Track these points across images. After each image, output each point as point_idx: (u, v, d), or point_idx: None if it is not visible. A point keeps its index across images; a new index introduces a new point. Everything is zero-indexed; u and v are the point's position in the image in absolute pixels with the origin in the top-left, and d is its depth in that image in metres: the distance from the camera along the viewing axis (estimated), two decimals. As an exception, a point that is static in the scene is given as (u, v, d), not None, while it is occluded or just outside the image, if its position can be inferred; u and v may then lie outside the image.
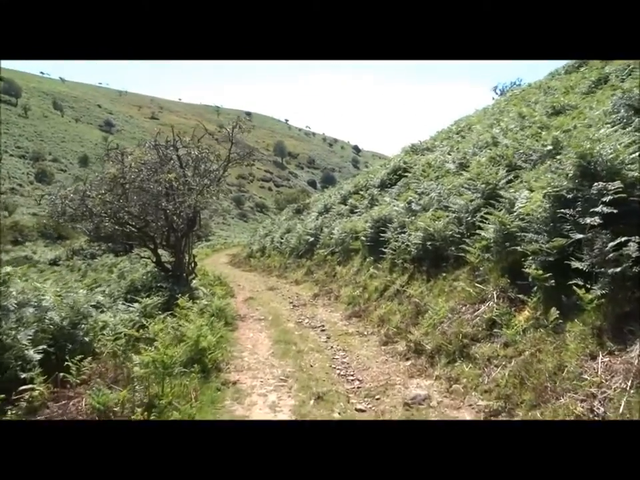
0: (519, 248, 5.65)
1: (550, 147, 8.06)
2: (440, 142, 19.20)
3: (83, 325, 5.09)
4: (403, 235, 9.76)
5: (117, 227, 9.11)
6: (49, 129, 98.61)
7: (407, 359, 5.99)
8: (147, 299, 6.72)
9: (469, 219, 7.96)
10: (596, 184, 4.54)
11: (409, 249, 9.15)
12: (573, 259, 4.55)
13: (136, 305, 6.64)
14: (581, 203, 4.67)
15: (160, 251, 10.35)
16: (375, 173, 19.71)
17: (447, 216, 8.41)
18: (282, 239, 21.15)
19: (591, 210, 4.46)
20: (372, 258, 11.35)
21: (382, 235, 10.92)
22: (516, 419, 3.95)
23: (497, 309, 5.44)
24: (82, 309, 5.14)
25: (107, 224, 8.46)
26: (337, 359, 6.37)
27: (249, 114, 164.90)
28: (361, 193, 17.80)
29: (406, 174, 15.06)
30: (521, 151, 9.24)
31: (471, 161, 11.24)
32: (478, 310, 5.84)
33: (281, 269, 17.89)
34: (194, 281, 10.80)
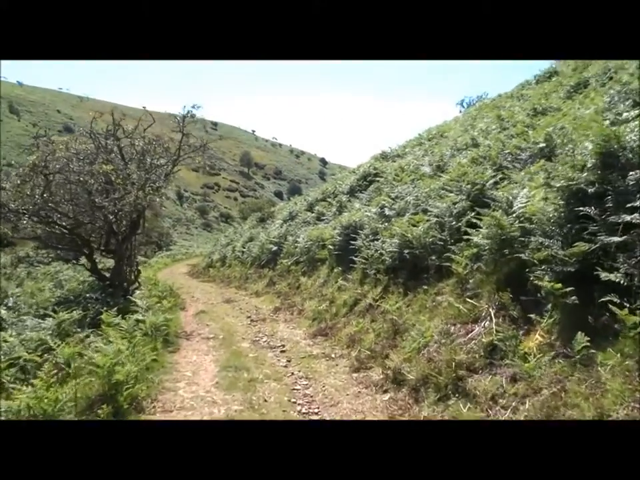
0: (523, 255, 4.64)
1: (543, 145, 7.21)
2: (411, 148, 18.50)
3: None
4: (375, 242, 8.71)
5: (40, 227, 7.70)
6: (4, 133, 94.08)
7: (385, 391, 4.85)
8: (64, 313, 5.38)
9: (453, 223, 6.96)
10: (632, 173, 3.55)
11: (382, 257, 8.08)
12: (599, 268, 3.55)
13: (49, 320, 5.29)
14: (612, 197, 3.67)
15: (104, 258, 8.93)
16: (343, 180, 18.76)
17: (428, 220, 7.39)
18: (244, 248, 19.84)
19: (628, 205, 3.47)
20: (340, 268, 10.26)
21: (352, 242, 9.84)
22: None
23: (497, 331, 4.38)
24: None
25: (25, 222, 7.05)
26: (298, 389, 5.16)
27: (215, 124, 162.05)
28: (329, 200, 16.80)
29: (377, 179, 14.27)
30: (507, 151, 8.40)
31: (449, 164, 10.39)
32: (472, 331, 4.77)
33: (241, 279, 16.56)
34: (137, 292, 9.40)
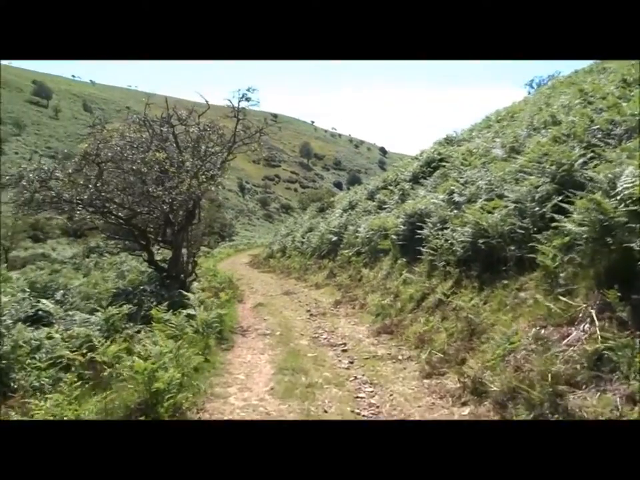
0: (634, 245, 3.82)
1: (643, 116, 6.19)
2: (478, 132, 17.33)
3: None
4: (444, 231, 7.96)
5: (96, 218, 7.58)
6: (79, 130, 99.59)
7: (463, 404, 4.19)
8: (113, 308, 5.11)
9: (536, 209, 6.11)
10: None
11: (453, 248, 7.34)
12: None
13: (98, 315, 5.04)
14: None
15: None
16: (405, 167, 17.90)
17: (505, 206, 6.57)
18: (303, 238, 19.52)
19: None
20: (405, 259, 9.58)
21: (418, 232, 9.13)
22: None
23: (603, 337, 3.61)
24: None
25: (80, 212, 6.92)
26: (362, 397, 4.60)
27: (275, 115, 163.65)
28: (390, 188, 16.02)
29: (442, 165, 13.41)
30: (596, 127, 7.37)
31: (525, 145, 9.39)
32: (568, 336, 4.00)
33: (301, 270, 16.21)
34: (194, 284, 9.19)
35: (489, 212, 6.75)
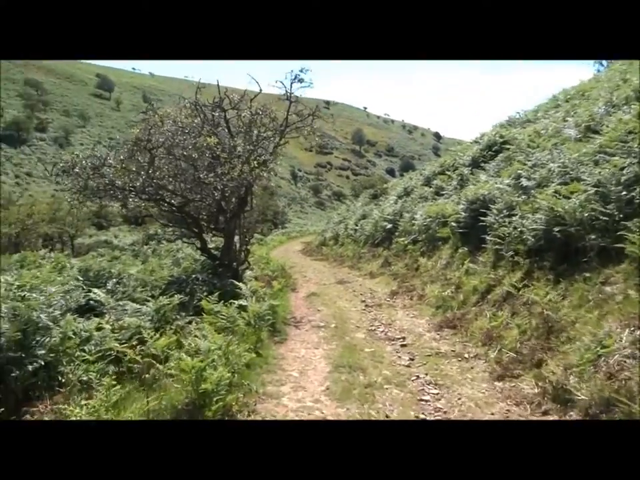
0: None
1: None
2: (544, 112, 16.20)
3: (39, 339, 3.35)
4: (512, 218, 7.35)
5: (150, 205, 7.51)
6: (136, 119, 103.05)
7: (544, 413, 3.70)
8: (164, 297, 4.95)
9: (623, 193, 5.45)
10: None
11: (523, 236, 6.73)
12: None
13: (150, 305, 4.89)
14: None
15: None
16: (463, 151, 17.06)
17: (585, 191, 5.92)
18: (356, 225, 19.12)
19: None
20: (466, 248, 9.00)
21: (481, 219, 8.53)
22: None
23: None
24: (36, 316, 3.39)
25: (133, 200, 6.84)
26: (426, 401, 4.18)
27: (327, 102, 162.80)
28: (448, 173, 15.30)
29: (506, 147, 12.63)
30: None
31: (603, 123, 8.54)
32: (674, 340, 3.43)
33: (355, 258, 15.84)
34: (247, 272, 9.02)
35: (566, 197, 6.11)
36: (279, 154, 8.21)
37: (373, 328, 6.82)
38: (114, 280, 6.03)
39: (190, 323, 4.82)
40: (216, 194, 7.29)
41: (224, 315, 4.88)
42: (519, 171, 8.43)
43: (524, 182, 8.09)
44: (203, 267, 8.65)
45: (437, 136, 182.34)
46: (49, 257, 9.92)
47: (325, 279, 12.47)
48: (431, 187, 15.18)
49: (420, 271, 10.28)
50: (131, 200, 6.76)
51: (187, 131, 6.84)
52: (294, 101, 7.56)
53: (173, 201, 7.33)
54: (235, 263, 8.27)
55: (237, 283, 8.45)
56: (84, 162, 6.13)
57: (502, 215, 7.82)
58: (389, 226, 15.08)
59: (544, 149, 9.42)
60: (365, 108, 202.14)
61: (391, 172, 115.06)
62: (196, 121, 7.26)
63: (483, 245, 8.44)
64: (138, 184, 6.46)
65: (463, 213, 9.54)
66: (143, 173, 6.35)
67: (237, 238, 8.54)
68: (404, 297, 8.94)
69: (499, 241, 7.44)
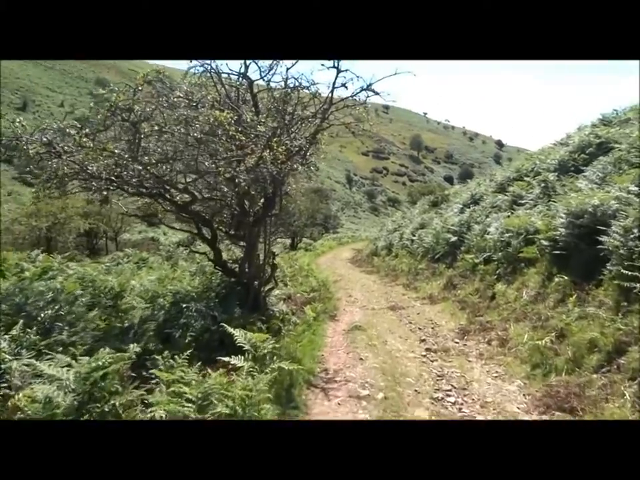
0: None
1: None
2: (648, 110, 13.42)
3: None
4: (651, 241, 5.03)
5: (145, 202, 5.71)
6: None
7: None
8: (103, 353, 2.99)
9: None
10: None
11: (678, 272, 4.40)
12: None
13: (73, 367, 2.96)
14: None
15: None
16: (546, 155, 14.47)
17: None
18: (413, 235, 16.84)
19: None
20: (566, 277, 6.68)
21: (594, 238, 6.22)
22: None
23: None
24: None
25: (113, 191, 5.00)
26: None
27: (386, 107, 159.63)
28: (527, 179, 12.81)
29: (609, 148, 10.25)
30: None
31: None
32: None
33: (410, 275, 13.58)
34: (274, 292, 7.06)
35: None
36: (322, 142, 6.17)
37: (440, 396, 4.61)
38: (47, 312, 4.14)
39: (133, 403, 2.89)
40: (227, 190, 5.41)
41: (191, 396, 2.91)
42: (656, 175, 6.03)
43: (665, 190, 5.71)
44: (219, 284, 6.76)
45: (499, 144, 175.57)
46: (38, 259, 8.39)
47: (374, 300, 10.28)
48: (506, 195, 12.76)
49: (497, 301, 7.97)
50: (112, 191, 4.93)
51: (194, 104, 4.95)
52: (343, 70, 5.52)
53: (176, 197, 5.46)
54: (256, 282, 6.31)
55: (272, 307, 6.55)
56: (29, 137, 4.29)
57: (633, 236, 5.47)
58: (454, 239, 12.79)
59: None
60: (425, 113, 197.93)
61: (449, 179, 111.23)
62: (211, 94, 5.37)
63: (594, 276, 6.12)
64: (122, 171, 4.64)
65: (561, 230, 7.19)
66: (126, 155, 4.53)
67: (261, 249, 6.60)
68: (478, 339, 6.67)
69: (628, 273, 5.10)
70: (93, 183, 4.62)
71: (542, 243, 7.89)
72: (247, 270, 6.28)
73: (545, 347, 5.44)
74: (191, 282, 7.83)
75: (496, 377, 5.22)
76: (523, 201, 11.31)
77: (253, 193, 6.16)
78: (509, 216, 10.62)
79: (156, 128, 4.62)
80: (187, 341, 4.55)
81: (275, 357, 3.71)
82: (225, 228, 6.82)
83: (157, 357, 3.61)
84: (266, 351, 3.62)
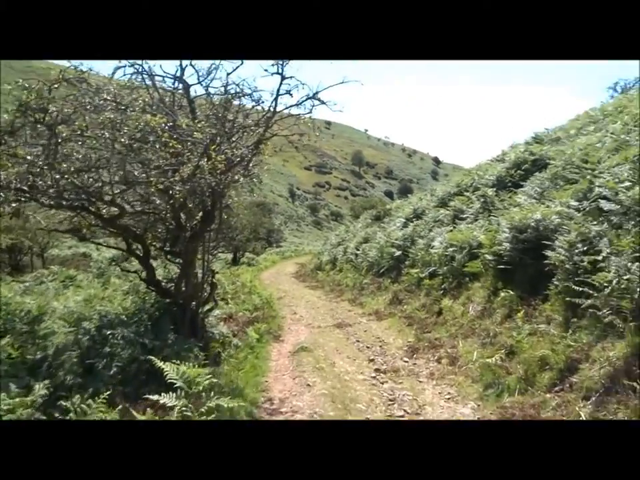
0: None
1: None
2: (577, 130, 14.07)
3: None
4: (597, 257, 5.05)
5: (63, 213, 5.10)
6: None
7: None
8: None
9: None
10: None
11: (624, 287, 4.38)
12: None
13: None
14: None
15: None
16: (484, 170, 14.85)
17: None
18: (358, 249, 16.76)
19: None
20: (512, 292, 6.65)
21: (538, 253, 6.24)
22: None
23: None
24: None
25: (23, 201, 4.36)
26: None
27: (328, 123, 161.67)
28: (467, 194, 13.06)
29: (542, 165, 10.79)
30: None
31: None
32: None
33: (355, 289, 13.40)
34: (214, 312, 6.58)
35: None
36: (265, 152, 5.81)
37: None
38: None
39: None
40: (159, 203, 4.93)
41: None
42: (599, 190, 6.12)
43: (605, 204, 5.78)
44: (153, 304, 6.19)
45: (436, 160, 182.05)
46: None
47: (319, 317, 9.95)
48: (448, 210, 12.91)
49: (444, 317, 7.87)
50: (17, 201, 4.25)
51: (122, 107, 4.46)
52: (287, 77, 5.21)
53: (98, 209, 4.88)
54: (194, 302, 5.82)
55: (212, 330, 6.06)
56: None
57: (577, 251, 5.47)
58: (398, 253, 12.77)
59: (616, 163, 7.13)
60: (366, 130, 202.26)
61: (389, 194, 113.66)
62: (142, 97, 4.89)
63: (540, 290, 6.12)
64: (37, 180, 4.04)
65: (506, 244, 7.18)
66: (40, 162, 3.96)
67: (199, 267, 6.11)
68: (428, 357, 6.47)
69: (576, 288, 5.07)
70: (0, 194, 4.01)
71: (486, 258, 7.89)
72: (183, 289, 5.77)
73: (495, 364, 5.31)
74: (122, 302, 7.16)
75: (449, 398, 5.00)
76: (464, 215, 11.45)
77: (190, 205, 5.70)
78: (451, 230, 10.69)
79: (78, 132, 4.09)
80: (111, 372, 4.01)
81: (212, 393, 3.28)
82: (160, 244, 6.29)
83: (66, 400, 3.08)
84: (201, 387, 3.19)
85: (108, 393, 3.14)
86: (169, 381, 3.15)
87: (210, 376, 3.18)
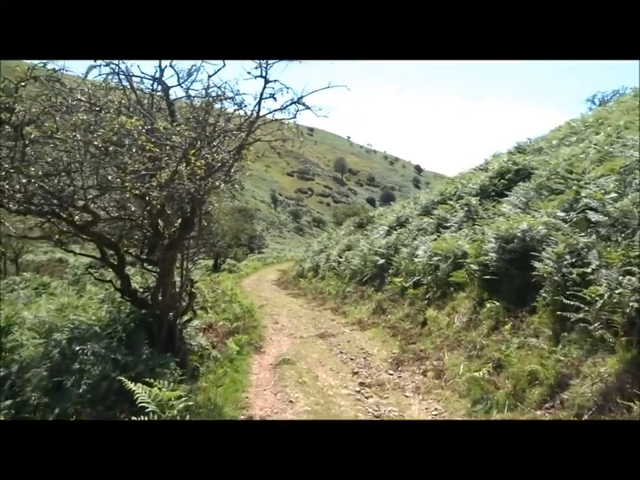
0: None
1: None
2: (559, 140, 14.18)
3: None
4: (585, 269, 4.96)
5: (33, 219, 4.82)
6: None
7: None
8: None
9: None
10: None
11: (617, 299, 4.28)
12: None
13: None
14: None
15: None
16: (468, 179, 14.86)
17: None
18: (340, 257, 16.61)
19: None
20: (498, 303, 6.55)
21: (525, 264, 6.16)
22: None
23: None
24: None
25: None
26: None
27: (311, 129, 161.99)
28: (451, 202, 13.03)
29: (524, 174, 10.97)
30: None
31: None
32: None
33: (338, 298, 13.23)
34: (192, 322, 6.33)
35: None
36: (247, 158, 5.61)
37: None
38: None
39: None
40: (134, 209, 4.69)
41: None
42: (585, 200, 6.07)
43: (593, 216, 5.71)
44: (128, 314, 5.92)
45: (418, 168, 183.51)
46: None
47: (302, 327, 9.73)
48: (432, 218, 12.84)
49: (429, 327, 7.72)
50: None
51: (97, 108, 4.22)
52: (271, 80, 5.03)
53: (70, 215, 4.61)
54: (171, 313, 5.56)
55: (191, 342, 5.81)
56: None
57: (566, 262, 5.38)
58: (381, 261, 12.64)
59: (601, 175, 7.10)
60: (349, 137, 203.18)
61: (371, 201, 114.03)
62: (118, 98, 4.65)
63: (527, 302, 6.02)
64: (1, 183, 3.78)
65: (492, 254, 7.09)
66: (6, 165, 3.69)
67: (177, 276, 5.86)
68: (413, 370, 6.31)
69: (565, 301, 4.97)
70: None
71: (471, 267, 7.80)
72: (160, 299, 5.51)
73: (483, 379, 5.17)
74: (97, 312, 6.86)
75: (436, 414, 4.84)
76: (448, 224, 11.39)
77: (168, 212, 5.46)
78: (435, 239, 10.60)
79: (48, 133, 3.83)
80: (80, 391, 3.74)
81: (188, 416, 3.05)
82: (136, 251, 6.02)
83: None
84: (176, 411, 2.96)
85: (74, 414, 2.89)
86: (140, 404, 2.92)
87: (185, 399, 2.95)
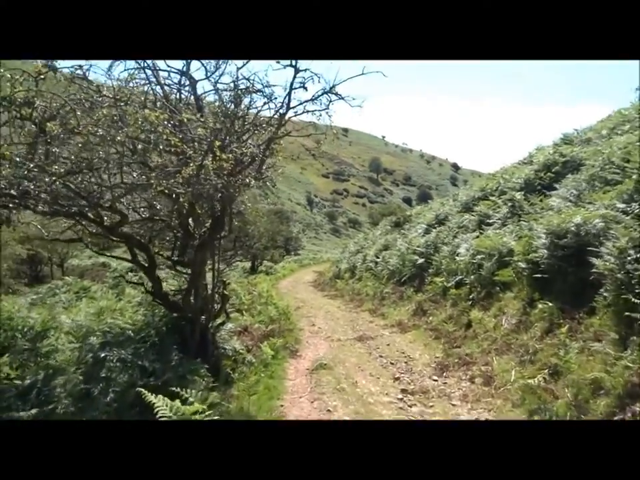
0: None
1: None
2: (609, 130, 13.36)
3: None
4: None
5: (62, 220, 4.69)
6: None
7: None
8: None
9: None
10: None
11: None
12: None
13: None
14: None
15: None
16: (509, 174, 14.21)
17: None
18: (377, 257, 16.21)
19: None
20: (551, 303, 6.05)
21: (580, 260, 5.67)
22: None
23: None
24: None
25: (11, 208, 3.93)
26: None
27: (345, 130, 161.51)
28: (493, 198, 12.44)
29: (572, 168, 10.26)
30: None
31: None
32: None
33: (376, 299, 12.85)
34: (226, 326, 6.11)
35: None
36: (278, 153, 5.34)
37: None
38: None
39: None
40: (160, 208, 4.50)
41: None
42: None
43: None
44: (161, 318, 5.76)
45: (455, 166, 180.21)
46: None
47: (339, 330, 9.41)
48: (473, 215, 12.30)
49: (474, 330, 7.26)
50: (13, 209, 3.86)
51: (121, 103, 4.04)
52: (301, 70, 4.75)
53: (98, 216, 4.46)
54: (203, 316, 5.36)
55: (224, 346, 5.59)
56: None
57: (630, 258, 4.87)
58: (420, 261, 12.19)
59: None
60: (384, 137, 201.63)
61: (407, 201, 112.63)
62: (143, 94, 4.47)
63: (584, 302, 5.51)
64: (26, 183, 3.64)
65: (543, 251, 6.59)
66: (31, 164, 3.54)
67: (209, 278, 5.66)
68: (459, 375, 5.89)
69: (628, 299, 4.48)
70: (-11, 199, 3.61)
71: (519, 265, 7.31)
72: (192, 302, 5.31)
73: (538, 386, 4.73)
74: (133, 315, 6.76)
75: (487, 426, 4.43)
76: (490, 221, 10.87)
77: (198, 211, 5.26)
78: (478, 236, 10.10)
79: (70, 129, 3.67)
80: (107, 399, 3.56)
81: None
82: (167, 253, 5.85)
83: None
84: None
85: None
86: (160, 417, 2.67)
87: (210, 412, 2.69)
